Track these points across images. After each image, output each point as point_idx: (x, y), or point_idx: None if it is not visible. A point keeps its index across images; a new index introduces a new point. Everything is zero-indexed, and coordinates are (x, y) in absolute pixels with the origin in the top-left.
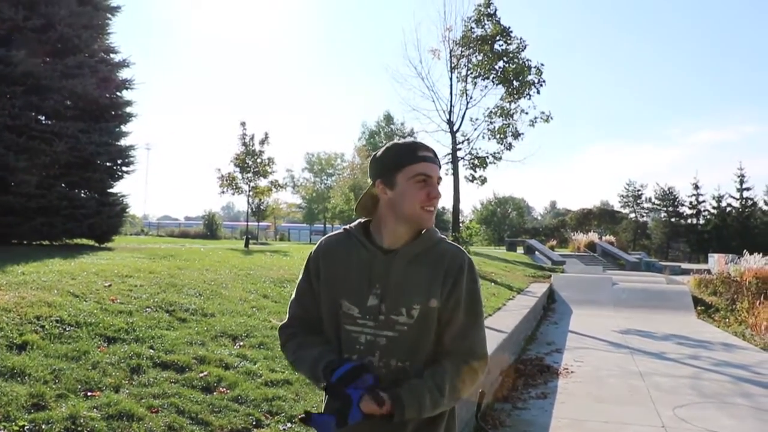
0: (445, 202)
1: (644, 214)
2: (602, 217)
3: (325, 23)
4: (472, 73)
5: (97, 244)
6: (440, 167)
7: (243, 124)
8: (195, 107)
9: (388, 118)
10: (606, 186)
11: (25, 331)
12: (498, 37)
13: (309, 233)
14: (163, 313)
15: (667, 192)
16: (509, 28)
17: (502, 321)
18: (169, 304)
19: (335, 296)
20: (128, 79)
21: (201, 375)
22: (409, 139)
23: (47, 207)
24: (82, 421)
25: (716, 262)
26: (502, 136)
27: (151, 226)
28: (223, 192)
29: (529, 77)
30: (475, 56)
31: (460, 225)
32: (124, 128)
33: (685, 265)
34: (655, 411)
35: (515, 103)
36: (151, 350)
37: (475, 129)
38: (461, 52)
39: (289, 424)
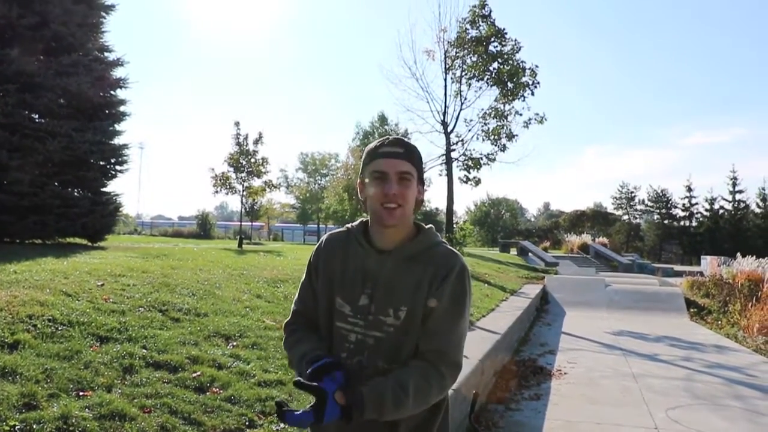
0: (439, 203)
1: (637, 216)
2: (595, 219)
3: (320, 23)
4: (466, 74)
5: (90, 243)
6: (411, 161)
7: (237, 123)
8: (189, 107)
9: (383, 119)
10: (599, 188)
11: (16, 330)
12: (493, 39)
13: (302, 233)
14: (156, 313)
15: (660, 194)
16: (504, 29)
17: (495, 322)
18: (162, 303)
19: (331, 293)
20: (122, 78)
21: (194, 375)
22: (384, 138)
23: (40, 206)
24: (73, 420)
25: (709, 264)
26: (496, 137)
27: (145, 226)
28: (216, 192)
29: (524, 79)
30: (470, 57)
31: (454, 226)
32: (117, 127)
33: (677, 267)
34: (648, 412)
35: (509, 104)
36: (144, 350)
37: (470, 130)
38: (456, 53)
39: (282, 425)
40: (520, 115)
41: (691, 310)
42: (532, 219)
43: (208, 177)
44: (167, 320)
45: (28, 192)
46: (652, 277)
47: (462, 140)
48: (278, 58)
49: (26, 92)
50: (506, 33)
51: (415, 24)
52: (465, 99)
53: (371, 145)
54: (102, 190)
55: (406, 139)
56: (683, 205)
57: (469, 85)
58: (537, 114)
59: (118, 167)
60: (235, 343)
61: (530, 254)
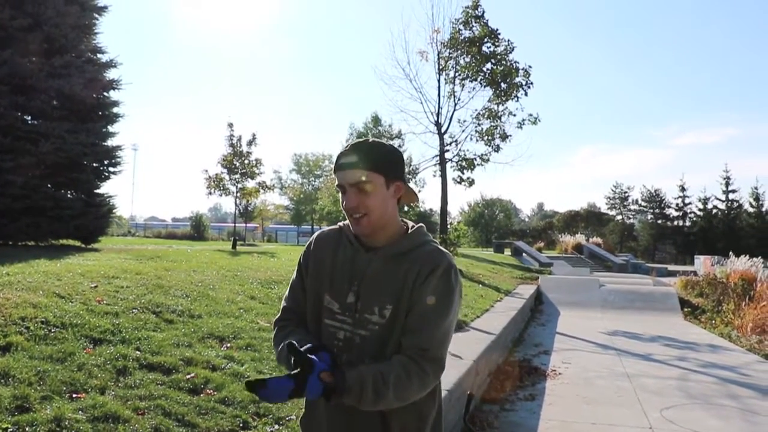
0: (434, 203)
1: (631, 216)
2: (589, 219)
3: (314, 24)
4: (460, 74)
5: (83, 245)
6: (369, 167)
7: (231, 125)
8: (182, 108)
9: (376, 120)
10: (593, 188)
11: (9, 332)
12: (486, 39)
13: (296, 235)
14: (150, 315)
15: (654, 194)
16: (497, 30)
17: (489, 323)
18: (156, 305)
19: (319, 290)
20: (115, 80)
21: (188, 376)
22: (346, 145)
23: (33, 208)
24: (67, 423)
25: (702, 263)
26: (489, 137)
27: (138, 227)
28: (210, 193)
29: (517, 79)
30: (463, 58)
31: (448, 227)
32: (111, 128)
33: (671, 267)
34: (642, 412)
35: (503, 105)
36: (138, 352)
37: (463, 131)
38: (449, 53)
39: (276, 426)
40: (514, 115)
41: (685, 309)
42: (526, 219)
43: (202, 178)
44: (161, 322)
45: (21, 194)
46: (646, 277)
47: (456, 141)
48: (272, 58)
49: (19, 94)
50: (499, 33)
51: (409, 25)
52: (458, 100)
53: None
54: (95, 191)
55: (369, 141)
56: (677, 204)
57: (463, 85)
58: (530, 115)
59: (111, 169)
60: (229, 345)
61: (524, 255)
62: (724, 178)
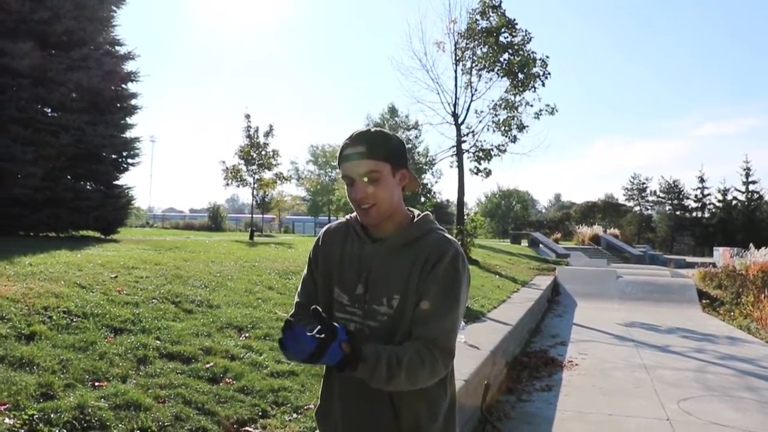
0: (450, 194)
1: (649, 207)
2: (607, 210)
3: (331, 15)
4: (476, 65)
5: (102, 236)
6: (377, 156)
7: (248, 116)
8: (200, 99)
9: (393, 111)
10: (611, 179)
11: (33, 321)
12: (503, 29)
13: (313, 225)
14: (169, 305)
15: (672, 185)
16: (514, 20)
17: (506, 313)
18: (175, 295)
19: (330, 283)
20: (133, 72)
21: (207, 366)
22: (350, 135)
23: (53, 199)
24: (89, 410)
25: (721, 255)
26: (506, 128)
27: (156, 219)
28: (227, 184)
29: (534, 69)
30: (480, 48)
31: (465, 218)
32: (129, 120)
33: (689, 259)
34: (659, 404)
35: (520, 95)
36: (158, 341)
37: (480, 121)
38: (466, 44)
39: (295, 415)
40: (531, 106)
41: (704, 301)
42: (543, 210)
43: (219, 170)
44: (180, 312)
45: (42, 185)
46: (664, 268)
47: (473, 131)
48: (290, 50)
49: (39, 86)
50: (517, 24)
51: (425, 16)
52: (475, 90)
53: (341, 145)
54: (114, 183)
55: (372, 131)
56: (695, 196)
57: (480, 76)
58: (548, 105)
59: (129, 160)
60: (247, 335)
61: (541, 246)
62: (745, 169)
